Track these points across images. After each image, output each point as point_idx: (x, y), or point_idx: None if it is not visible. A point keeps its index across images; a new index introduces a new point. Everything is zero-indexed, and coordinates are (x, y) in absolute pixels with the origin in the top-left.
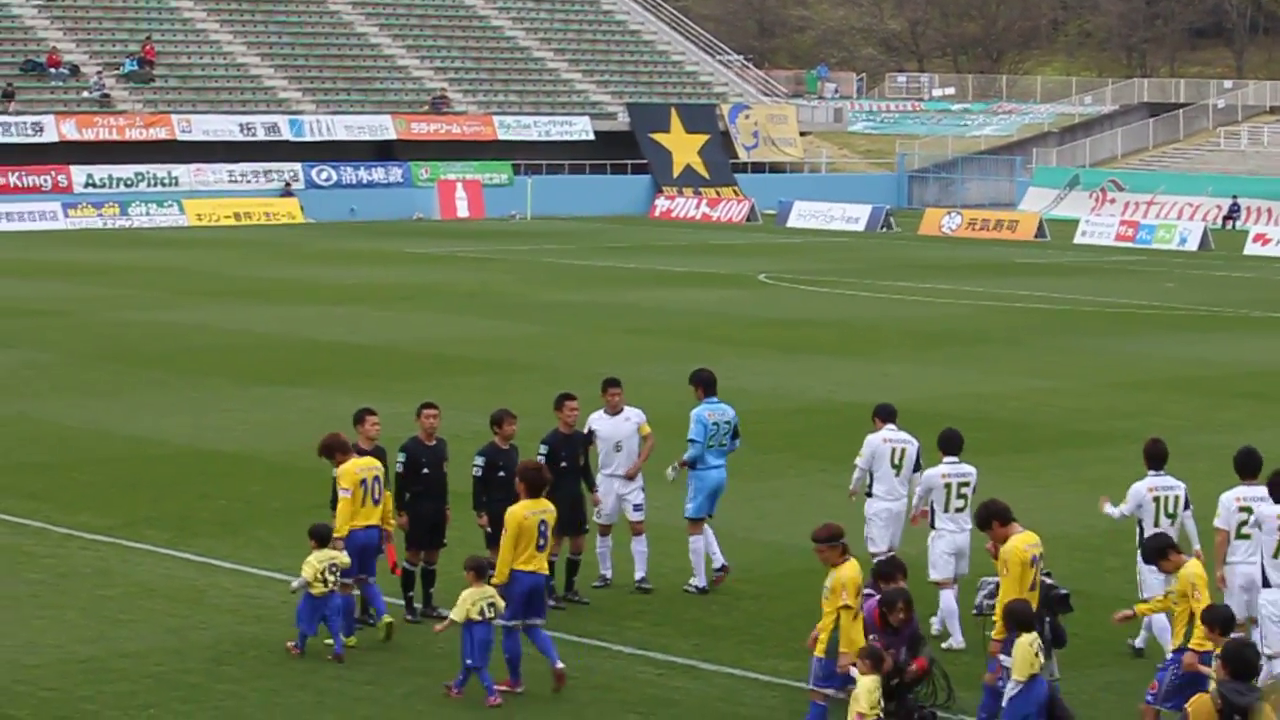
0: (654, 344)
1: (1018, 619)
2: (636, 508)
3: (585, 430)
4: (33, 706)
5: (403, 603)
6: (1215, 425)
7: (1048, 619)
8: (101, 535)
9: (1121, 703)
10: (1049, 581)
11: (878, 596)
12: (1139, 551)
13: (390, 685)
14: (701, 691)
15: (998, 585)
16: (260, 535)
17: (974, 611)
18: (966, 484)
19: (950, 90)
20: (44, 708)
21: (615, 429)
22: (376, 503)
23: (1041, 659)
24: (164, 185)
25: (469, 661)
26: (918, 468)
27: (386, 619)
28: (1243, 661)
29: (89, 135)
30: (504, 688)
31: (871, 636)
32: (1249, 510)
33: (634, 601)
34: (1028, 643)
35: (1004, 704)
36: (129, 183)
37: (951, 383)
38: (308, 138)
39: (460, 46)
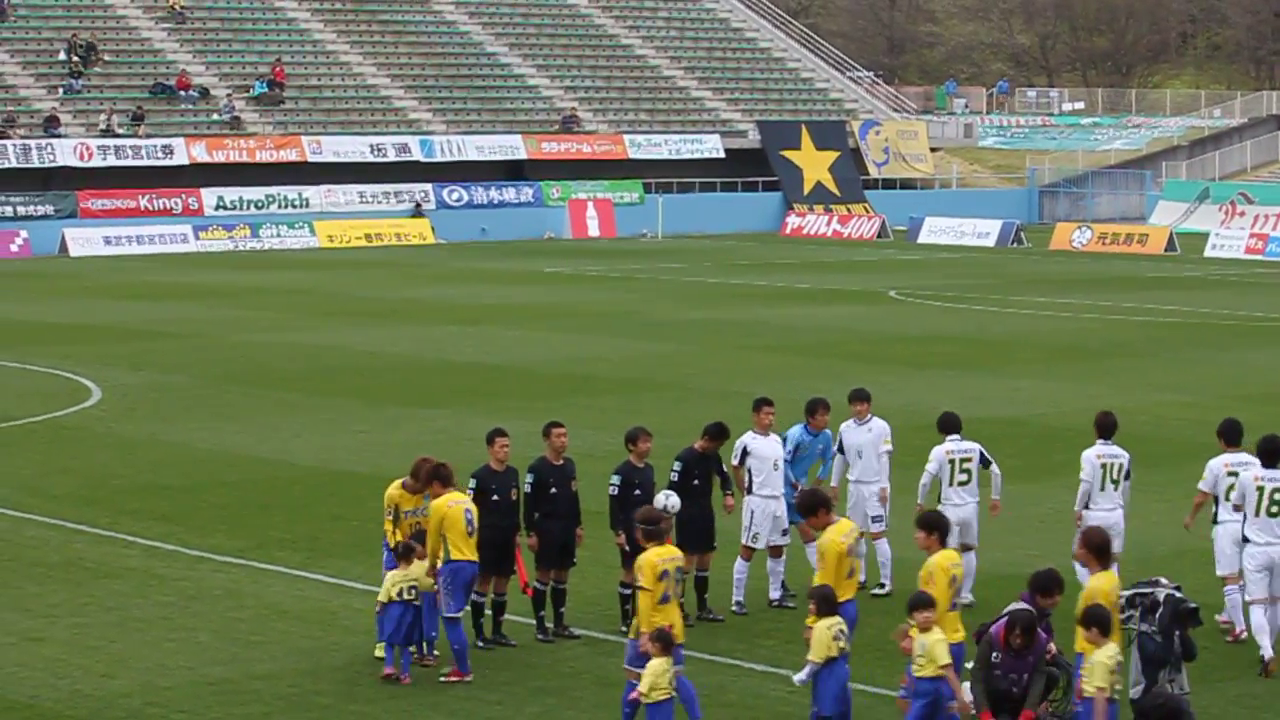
0: (786, 361)
1: (824, 603)
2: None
3: (739, 451)
4: None
5: (533, 623)
6: None
7: (1178, 633)
8: (233, 557)
9: (1252, 716)
10: (1179, 595)
11: (1007, 616)
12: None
13: (521, 704)
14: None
15: (1127, 600)
16: None
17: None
18: (969, 459)
19: (1080, 104)
20: None
21: (769, 449)
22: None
23: (843, 643)
24: (295, 207)
25: None
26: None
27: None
28: None
29: (219, 157)
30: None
31: (995, 656)
32: (1235, 475)
33: (767, 619)
34: (826, 626)
35: (800, 684)
36: (260, 205)
37: (1082, 397)
38: (438, 158)
39: (590, 65)
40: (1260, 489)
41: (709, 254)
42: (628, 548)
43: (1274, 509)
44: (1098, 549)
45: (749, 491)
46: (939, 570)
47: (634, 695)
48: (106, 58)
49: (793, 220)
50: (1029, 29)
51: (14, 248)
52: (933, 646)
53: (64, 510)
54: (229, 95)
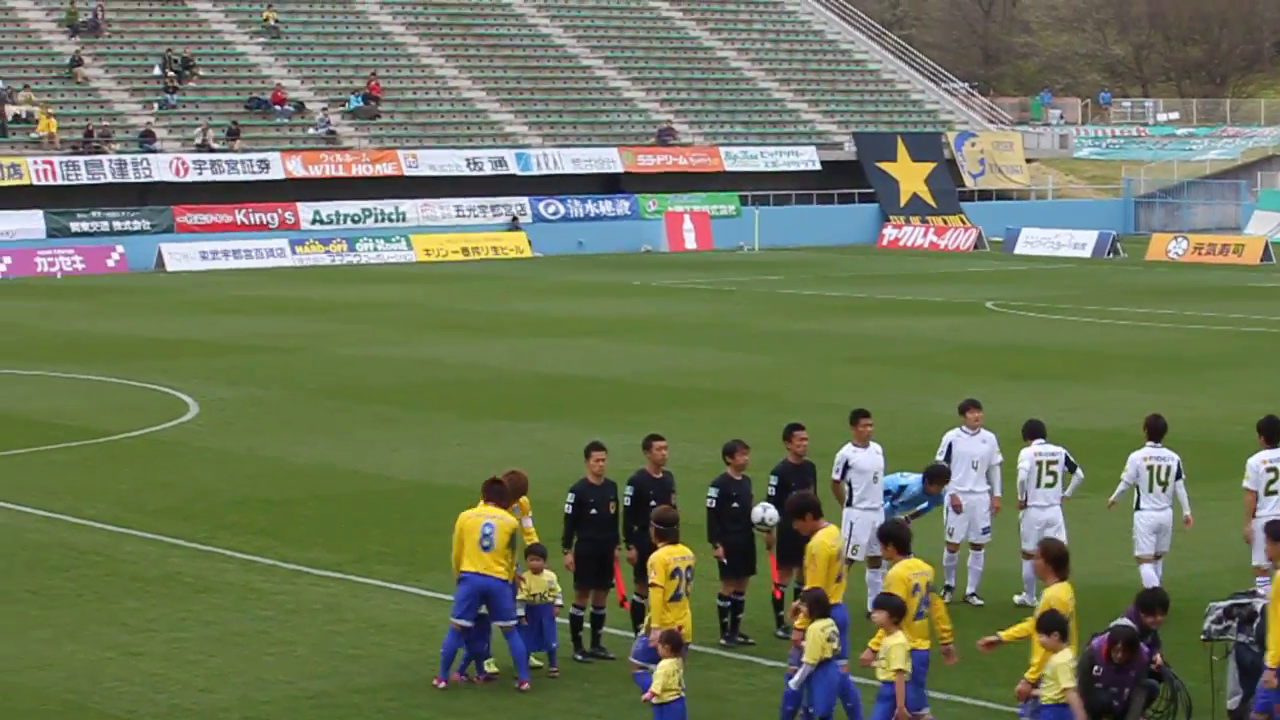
0: (882, 373)
1: (816, 606)
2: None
3: (840, 465)
4: None
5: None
6: None
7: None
8: (331, 571)
9: None
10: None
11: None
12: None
13: (620, 718)
14: None
15: (1224, 611)
16: None
17: (1202, 636)
18: (1055, 462)
19: (1174, 114)
20: None
21: (869, 461)
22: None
23: (835, 645)
24: (391, 221)
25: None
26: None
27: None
28: None
29: (315, 172)
30: None
31: (1096, 669)
32: (1275, 470)
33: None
34: (820, 628)
35: (792, 687)
36: (356, 219)
37: (1178, 407)
38: (534, 171)
39: (685, 78)
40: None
41: (805, 266)
42: (725, 560)
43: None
44: (1055, 560)
45: (849, 504)
46: (897, 580)
47: (646, 696)
48: (201, 72)
49: (889, 232)
50: (1123, 39)
51: (111, 262)
52: (890, 650)
53: (162, 525)
54: (324, 109)
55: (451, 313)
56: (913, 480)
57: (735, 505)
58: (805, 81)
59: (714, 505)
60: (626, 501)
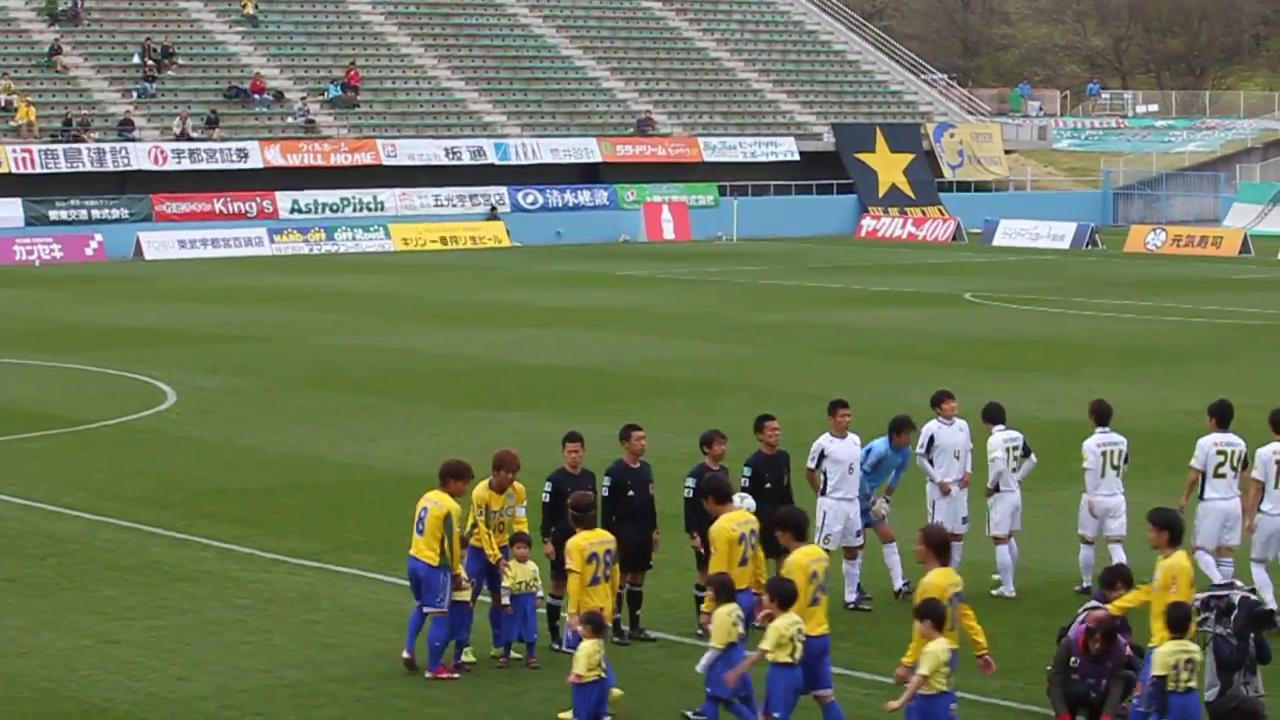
0: (860, 364)
1: (721, 591)
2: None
3: (816, 454)
4: None
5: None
6: None
7: (1252, 635)
8: (308, 560)
9: None
10: (1253, 598)
11: (1085, 617)
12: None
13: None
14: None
15: (1202, 603)
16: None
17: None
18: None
19: (1154, 107)
20: None
21: (846, 451)
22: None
23: (741, 629)
24: (370, 210)
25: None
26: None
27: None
28: None
29: (294, 161)
30: None
31: (1073, 660)
32: (1225, 454)
33: (840, 621)
34: (726, 613)
35: (702, 670)
36: (334, 208)
37: (1157, 399)
38: (513, 161)
39: (665, 69)
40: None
41: (783, 257)
42: (703, 550)
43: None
44: (937, 547)
45: (823, 493)
46: (796, 567)
47: (571, 678)
48: (180, 61)
49: (867, 223)
50: (1103, 31)
51: (89, 251)
52: (769, 630)
53: (139, 513)
54: (303, 99)
55: (430, 302)
56: (876, 442)
57: None
58: (784, 72)
59: (691, 495)
60: (605, 492)
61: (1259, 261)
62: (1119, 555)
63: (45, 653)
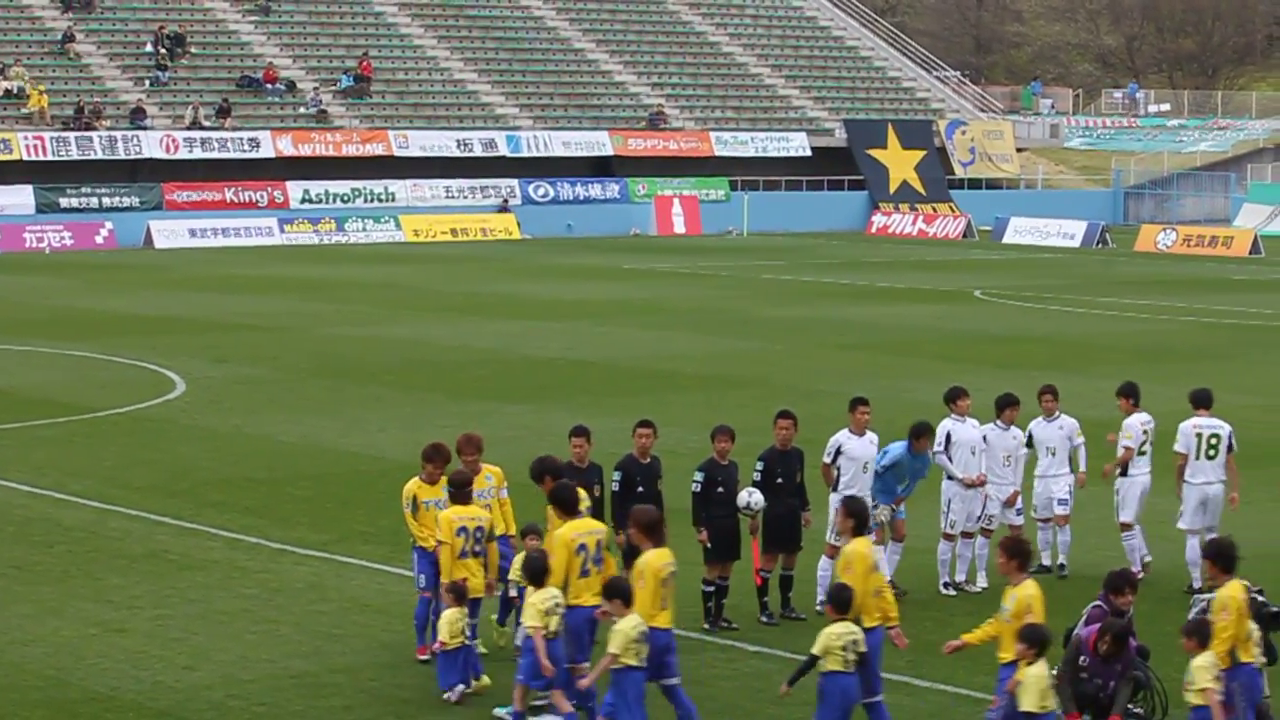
0: (870, 359)
1: (536, 575)
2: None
3: (832, 449)
4: None
5: None
6: None
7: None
8: (316, 551)
9: None
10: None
11: (1093, 617)
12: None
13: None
14: (914, 707)
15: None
16: None
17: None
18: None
19: (1165, 106)
20: None
21: (862, 449)
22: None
23: (557, 618)
24: (381, 201)
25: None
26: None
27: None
28: None
29: (305, 151)
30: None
31: (1083, 659)
32: (1200, 435)
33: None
34: (541, 599)
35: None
36: (345, 198)
37: (1166, 399)
38: (525, 154)
39: (678, 63)
40: (1199, 435)
41: (794, 252)
42: (709, 545)
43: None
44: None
45: (835, 489)
46: (648, 569)
47: (436, 645)
48: (193, 50)
49: (878, 219)
50: (1115, 30)
51: (99, 239)
52: (613, 634)
53: (147, 502)
54: (315, 89)
55: (439, 294)
56: (894, 446)
57: (720, 490)
58: (796, 68)
59: (699, 490)
60: (614, 487)
61: (1269, 262)
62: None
63: (52, 641)
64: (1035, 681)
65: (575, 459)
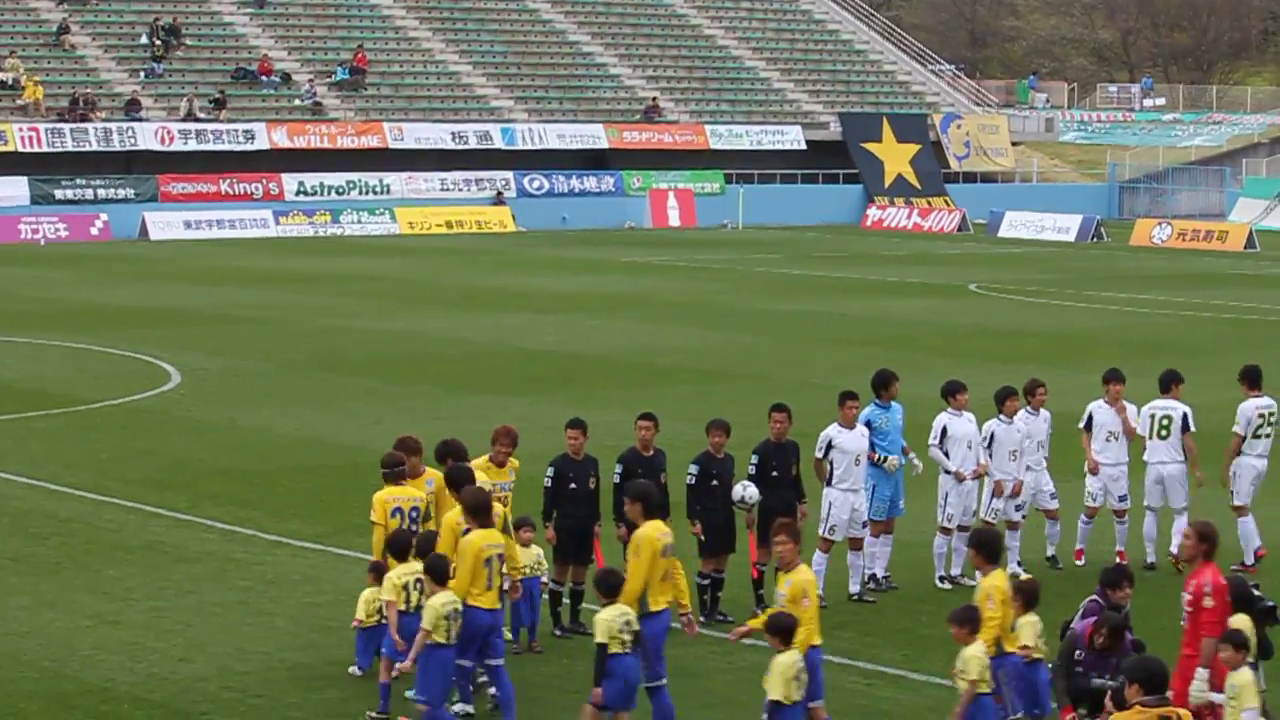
0: (864, 354)
1: (437, 576)
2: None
3: (823, 444)
4: (241, 713)
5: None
6: None
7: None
8: (311, 543)
9: None
10: (1256, 594)
11: (1090, 612)
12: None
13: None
14: (910, 702)
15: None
16: None
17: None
18: (1272, 414)
19: (1161, 100)
20: (252, 714)
21: (854, 443)
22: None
23: (452, 622)
24: (376, 193)
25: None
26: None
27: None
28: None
29: (300, 143)
30: None
31: (1078, 653)
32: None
33: (844, 611)
34: (440, 603)
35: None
36: (340, 191)
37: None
38: (520, 146)
39: (673, 56)
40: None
41: (789, 245)
42: (704, 538)
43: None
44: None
45: (829, 483)
46: (470, 548)
47: (353, 624)
48: (188, 42)
49: (873, 213)
50: (1111, 24)
51: (94, 231)
52: (426, 610)
53: (142, 494)
54: (311, 81)
55: (434, 286)
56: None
57: (715, 483)
58: (792, 61)
59: (694, 483)
60: (616, 479)
61: (1264, 256)
62: (1248, 526)
63: (47, 632)
64: (781, 670)
65: (571, 451)
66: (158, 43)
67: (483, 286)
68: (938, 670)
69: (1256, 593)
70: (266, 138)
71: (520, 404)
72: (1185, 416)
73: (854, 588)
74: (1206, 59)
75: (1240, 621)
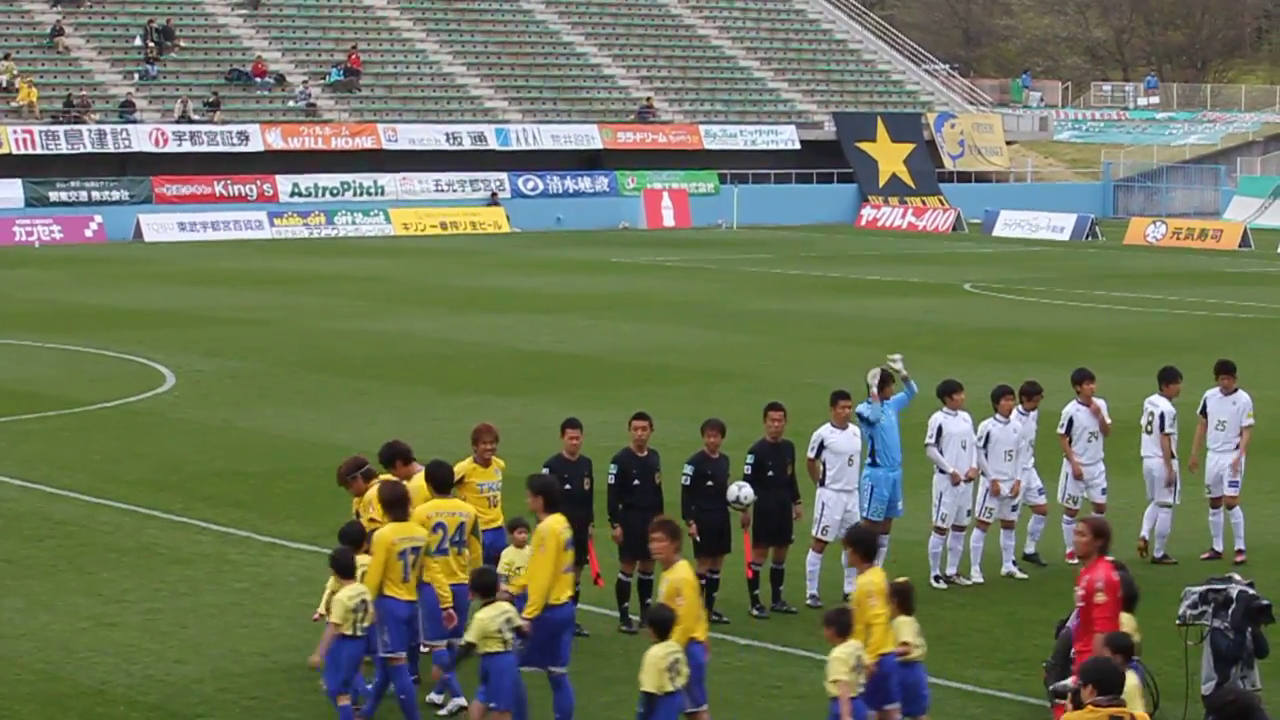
0: (859, 353)
1: (342, 570)
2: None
3: (815, 444)
4: (237, 715)
5: (605, 612)
6: None
7: (1249, 629)
8: (306, 544)
9: None
10: (1251, 592)
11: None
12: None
13: (593, 693)
14: None
15: (1200, 595)
16: None
17: (1178, 621)
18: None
19: (1155, 99)
20: (248, 716)
21: (846, 443)
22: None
23: (360, 615)
24: (370, 194)
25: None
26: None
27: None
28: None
29: (294, 144)
30: None
31: (1074, 652)
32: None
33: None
34: (348, 596)
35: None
36: (335, 192)
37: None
38: (514, 147)
39: (666, 55)
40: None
41: (783, 245)
42: (699, 538)
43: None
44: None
45: (822, 484)
46: (381, 542)
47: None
48: (182, 44)
49: (868, 212)
50: (1104, 22)
51: (89, 233)
52: (334, 605)
53: (137, 496)
54: (305, 82)
55: (429, 287)
56: (860, 409)
57: (710, 483)
58: (786, 61)
59: (689, 483)
60: (611, 480)
61: (1259, 255)
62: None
63: (42, 635)
64: (653, 662)
65: (568, 451)
66: (151, 44)
67: (477, 287)
68: (931, 669)
69: (1251, 591)
70: (261, 139)
71: (515, 404)
72: (1163, 416)
73: (848, 587)
74: (1200, 57)
75: (1127, 623)
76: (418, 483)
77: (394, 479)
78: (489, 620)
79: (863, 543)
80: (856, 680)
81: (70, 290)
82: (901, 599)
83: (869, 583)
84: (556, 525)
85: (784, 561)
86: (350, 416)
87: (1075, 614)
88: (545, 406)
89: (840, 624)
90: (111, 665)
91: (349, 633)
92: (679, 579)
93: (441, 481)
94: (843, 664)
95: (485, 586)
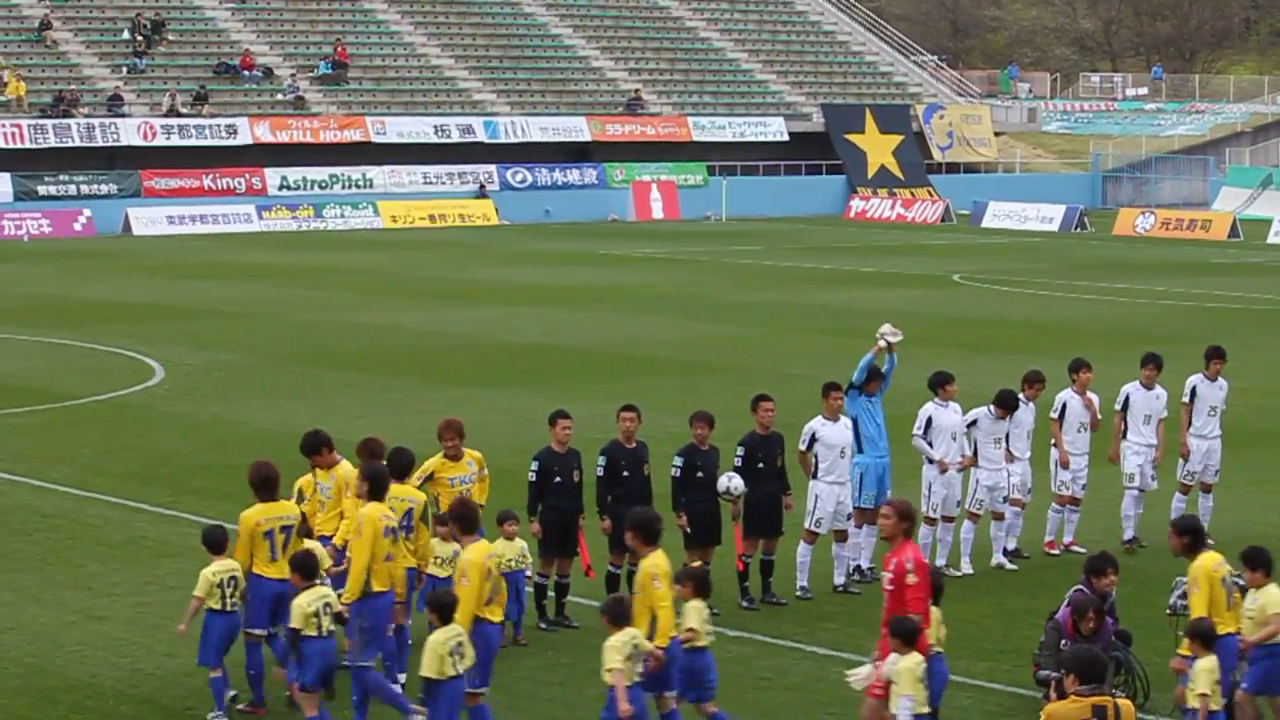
0: (847, 344)
1: (304, 572)
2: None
3: (807, 436)
4: (234, 712)
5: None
6: None
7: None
8: None
9: None
10: (1241, 582)
11: (1073, 601)
12: None
13: (583, 686)
14: None
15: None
16: None
17: (1168, 611)
18: None
19: (1143, 90)
20: (236, 709)
21: (838, 435)
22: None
23: (325, 618)
24: (358, 187)
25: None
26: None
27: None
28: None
29: (283, 137)
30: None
31: (1064, 642)
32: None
33: (828, 603)
34: (308, 601)
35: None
36: (323, 185)
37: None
38: (502, 139)
39: (655, 48)
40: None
41: (772, 237)
42: (689, 530)
43: None
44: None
45: (814, 476)
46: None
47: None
48: (170, 37)
49: (856, 204)
50: (1093, 13)
51: (78, 226)
52: (293, 608)
53: (126, 489)
54: (293, 75)
55: (417, 280)
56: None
57: (700, 475)
58: (774, 52)
59: (679, 475)
60: (599, 471)
61: (1247, 245)
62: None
63: (31, 628)
64: (433, 648)
65: (557, 443)
66: (140, 38)
67: (466, 279)
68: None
69: (1241, 582)
70: (249, 132)
71: (504, 396)
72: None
73: (839, 579)
74: (1189, 48)
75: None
76: (342, 472)
77: (266, 460)
78: (306, 604)
79: (645, 526)
80: (632, 669)
81: (59, 284)
82: (698, 583)
83: (652, 565)
84: (375, 513)
85: (774, 553)
86: (339, 409)
87: (1065, 604)
88: (534, 398)
89: (615, 613)
90: (100, 659)
91: (216, 606)
92: (651, 565)
93: (399, 467)
94: (616, 652)
95: (306, 569)
